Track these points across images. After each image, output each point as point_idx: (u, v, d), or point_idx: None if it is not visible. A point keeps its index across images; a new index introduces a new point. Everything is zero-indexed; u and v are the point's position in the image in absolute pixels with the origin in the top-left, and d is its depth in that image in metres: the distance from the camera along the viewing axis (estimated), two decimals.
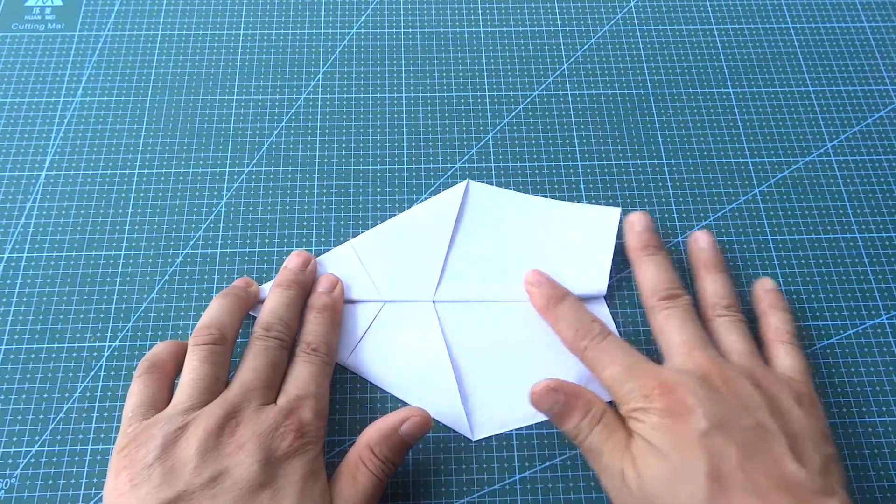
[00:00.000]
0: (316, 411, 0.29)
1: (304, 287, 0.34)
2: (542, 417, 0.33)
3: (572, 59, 0.43)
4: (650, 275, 0.33)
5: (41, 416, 0.33)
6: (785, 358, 0.30)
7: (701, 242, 0.35)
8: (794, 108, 0.42)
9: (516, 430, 0.33)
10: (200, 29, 0.44)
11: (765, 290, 0.35)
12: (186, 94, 0.41)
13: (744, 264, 0.37)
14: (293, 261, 0.35)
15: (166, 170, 0.39)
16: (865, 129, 0.42)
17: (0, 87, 0.41)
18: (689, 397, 0.26)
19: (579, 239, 0.37)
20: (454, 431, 0.33)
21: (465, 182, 0.39)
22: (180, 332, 0.35)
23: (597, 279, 0.36)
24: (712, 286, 0.33)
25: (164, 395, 0.29)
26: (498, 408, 0.33)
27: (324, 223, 0.38)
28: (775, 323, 0.32)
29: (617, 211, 0.38)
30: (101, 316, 0.35)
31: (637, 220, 0.35)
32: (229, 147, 0.40)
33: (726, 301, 0.33)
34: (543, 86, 0.43)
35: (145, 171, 0.39)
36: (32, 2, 0.44)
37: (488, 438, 0.33)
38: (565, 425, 0.30)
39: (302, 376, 0.30)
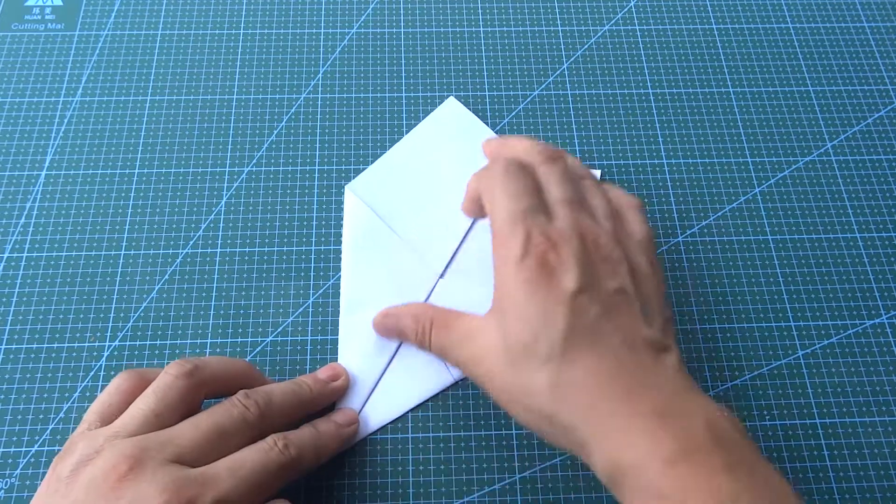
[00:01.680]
0: None
1: (319, 396, 0.32)
2: None
3: (572, 59, 0.43)
4: (527, 141, 0.31)
5: (41, 416, 0.33)
6: (636, 226, 0.30)
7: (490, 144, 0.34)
8: (794, 108, 0.42)
9: (516, 430, 0.33)
10: (200, 29, 0.44)
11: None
12: (186, 94, 0.41)
13: (744, 264, 0.37)
14: (324, 371, 0.33)
15: (166, 170, 0.39)
16: (865, 129, 0.42)
17: (0, 87, 0.41)
18: (568, 258, 0.26)
19: None
20: (454, 431, 0.33)
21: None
22: (180, 331, 0.35)
23: None
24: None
25: (124, 409, 0.28)
26: None
27: (324, 223, 0.38)
28: (623, 196, 0.32)
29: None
30: (101, 316, 0.35)
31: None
32: (229, 147, 0.40)
33: (581, 167, 0.32)
34: (543, 86, 0.43)
35: (145, 171, 0.39)
36: (32, 2, 0.44)
37: (488, 438, 0.33)
38: (411, 341, 0.32)
39: (245, 461, 0.26)
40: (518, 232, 0.27)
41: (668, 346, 0.27)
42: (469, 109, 0.41)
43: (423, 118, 0.41)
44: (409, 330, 0.31)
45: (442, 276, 0.36)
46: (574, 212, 0.28)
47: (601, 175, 0.39)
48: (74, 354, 0.34)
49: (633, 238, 0.29)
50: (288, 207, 0.38)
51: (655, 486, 0.23)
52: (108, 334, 0.35)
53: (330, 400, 0.32)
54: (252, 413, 0.28)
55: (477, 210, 0.32)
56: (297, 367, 0.34)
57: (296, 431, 0.30)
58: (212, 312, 0.35)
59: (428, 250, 0.36)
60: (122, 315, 0.35)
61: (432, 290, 0.36)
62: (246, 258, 0.37)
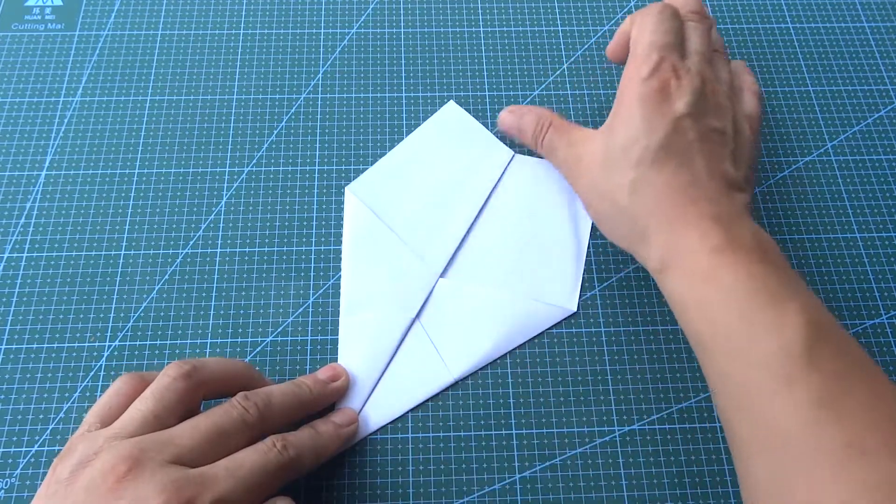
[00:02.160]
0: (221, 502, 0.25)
1: (319, 397, 0.32)
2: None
3: (572, 59, 0.43)
4: None
5: (41, 416, 0.33)
6: (749, 103, 0.34)
7: None
8: (794, 108, 0.42)
9: (516, 430, 0.33)
10: (200, 29, 0.44)
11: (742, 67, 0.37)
12: (186, 94, 0.41)
13: None
14: (324, 371, 0.33)
15: (166, 170, 0.39)
16: (865, 129, 0.42)
17: (0, 87, 0.41)
18: (686, 88, 0.30)
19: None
20: (454, 431, 0.33)
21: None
22: (180, 331, 0.35)
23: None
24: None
25: (124, 411, 0.28)
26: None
27: (324, 223, 0.38)
28: (749, 80, 0.35)
29: None
30: (101, 316, 0.35)
31: None
32: (229, 147, 0.40)
33: (721, 42, 0.36)
34: (543, 86, 0.43)
35: (145, 171, 0.39)
36: (32, 2, 0.44)
37: (488, 438, 0.33)
38: (527, 138, 0.37)
39: (244, 462, 0.26)
40: (653, 58, 0.31)
41: (743, 189, 0.31)
42: (469, 110, 0.41)
43: (424, 118, 0.41)
44: (529, 127, 0.36)
45: (443, 275, 0.36)
46: (703, 63, 0.32)
47: None
48: (74, 354, 0.34)
49: (745, 109, 0.33)
50: (288, 207, 0.38)
51: (699, 267, 0.28)
52: (108, 334, 0.35)
53: (330, 400, 0.33)
54: (251, 415, 0.28)
55: (620, 52, 0.35)
56: (297, 367, 0.34)
57: (295, 433, 0.30)
58: (212, 312, 0.35)
59: (428, 251, 0.36)
60: (122, 315, 0.35)
61: (432, 290, 0.36)
62: (246, 258, 0.37)
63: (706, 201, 0.29)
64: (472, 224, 0.38)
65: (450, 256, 0.36)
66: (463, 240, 0.37)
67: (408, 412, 0.33)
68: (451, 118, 0.41)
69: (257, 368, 0.33)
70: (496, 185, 0.39)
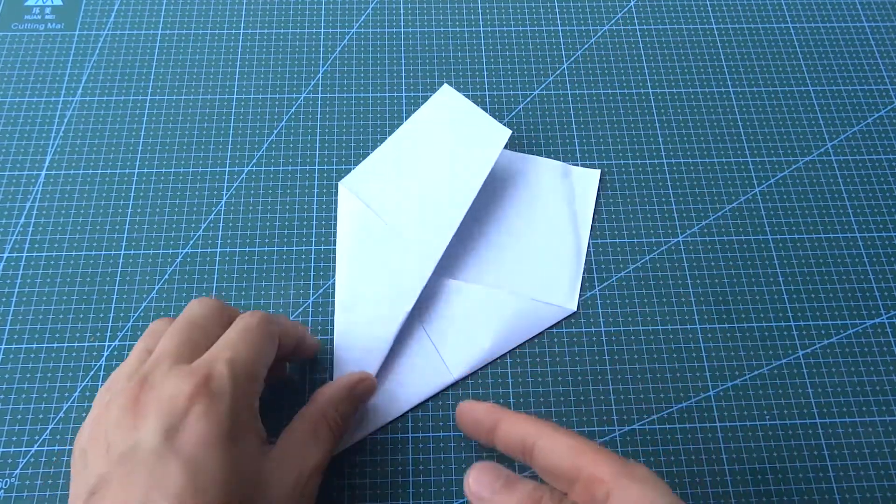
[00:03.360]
0: (232, 365, 0.26)
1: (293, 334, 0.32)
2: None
3: (572, 59, 0.44)
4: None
5: (41, 416, 0.33)
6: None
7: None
8: (794, 108, 0.42)
9: None
10: (200, 29, 0.44)
11: None
12: (186, 94, 0.41)
13: (744, 264, 0.37)
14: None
15: (166, 170, 0.39)
16: (865, 129, 0.42)
17: (0, 87, 0.41)
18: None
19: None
20: (454, 431, 0.33)
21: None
22: None
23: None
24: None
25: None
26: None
27: (323, 223, 0.38)
28: None
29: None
30: (101, 316, 0.35)
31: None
32: (229, 147, 0.40)
33: None
34: (543, 86, 0.43)
35: (145, 170, 0.39)
36: (32, 2, 0.44)
37: None
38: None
39: (229, 332, 0.28)
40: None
41: None
42: None
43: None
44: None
45: (443, 275, 0.36)
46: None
47: (602, 175, 0.39)
48: (74, 354, 0.34)
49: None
50: (288, 207, 0.38)
51: None
52: (108, 334, 0.35)
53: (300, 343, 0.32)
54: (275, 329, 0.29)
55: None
56: (297, 366, 0.34)
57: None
58: None
59: (424, 239, 0.36)
60: (122, 315, 0.35)
61: (432, 290, 0.36)
62: (246, 258, 0.37)
63: None
64: (473, 224, 0.38)
65: (447, 242, 0.36)
66: (463, 239, 0.37)
67: (408, 412, 0.33)
68: (446, 101, 0.40)
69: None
70: (496, 185, 0.39)
